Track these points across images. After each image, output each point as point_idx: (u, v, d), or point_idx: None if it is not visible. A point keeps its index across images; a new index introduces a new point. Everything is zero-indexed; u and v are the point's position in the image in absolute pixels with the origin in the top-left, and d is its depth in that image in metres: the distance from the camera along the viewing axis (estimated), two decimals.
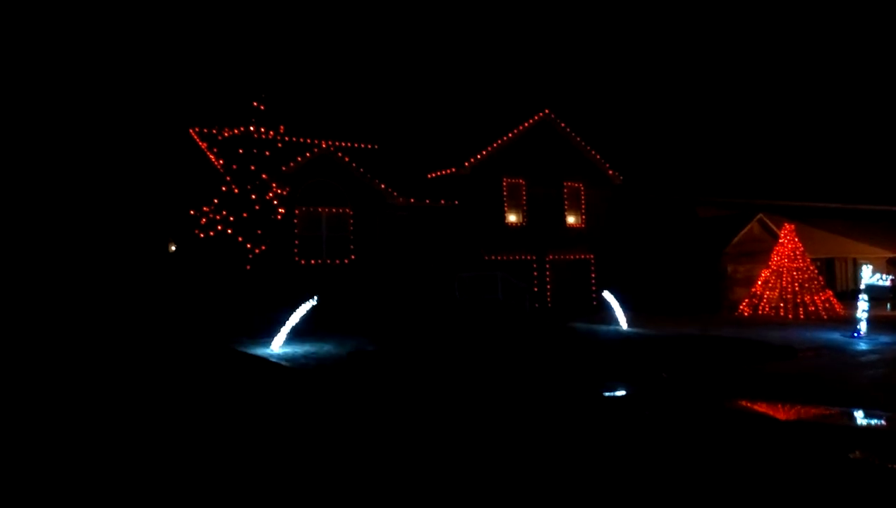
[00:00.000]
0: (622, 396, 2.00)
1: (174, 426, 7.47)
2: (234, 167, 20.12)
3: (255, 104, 20.76)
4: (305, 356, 14.33)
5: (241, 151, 20.33)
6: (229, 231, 19.68)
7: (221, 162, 20.71)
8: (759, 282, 25.00)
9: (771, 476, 1.30)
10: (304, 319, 16.14)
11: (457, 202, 25.21)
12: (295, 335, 16.22)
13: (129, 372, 12.64)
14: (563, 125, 27.60)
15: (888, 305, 26.31)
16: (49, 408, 8.81)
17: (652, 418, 1.86)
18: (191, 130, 23.97)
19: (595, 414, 1.89)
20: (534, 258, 26.80)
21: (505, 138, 26.03)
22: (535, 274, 26.60)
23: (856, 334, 17.30)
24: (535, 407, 1.81)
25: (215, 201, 19.83)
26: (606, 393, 1.98)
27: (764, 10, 70.64)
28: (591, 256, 28.04)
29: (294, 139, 24.99)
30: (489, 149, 25.56)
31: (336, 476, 3.32)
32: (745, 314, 24.64)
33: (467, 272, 23.90)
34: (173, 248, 24.43)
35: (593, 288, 27.70)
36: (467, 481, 1.38)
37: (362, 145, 28.98)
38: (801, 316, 23.29)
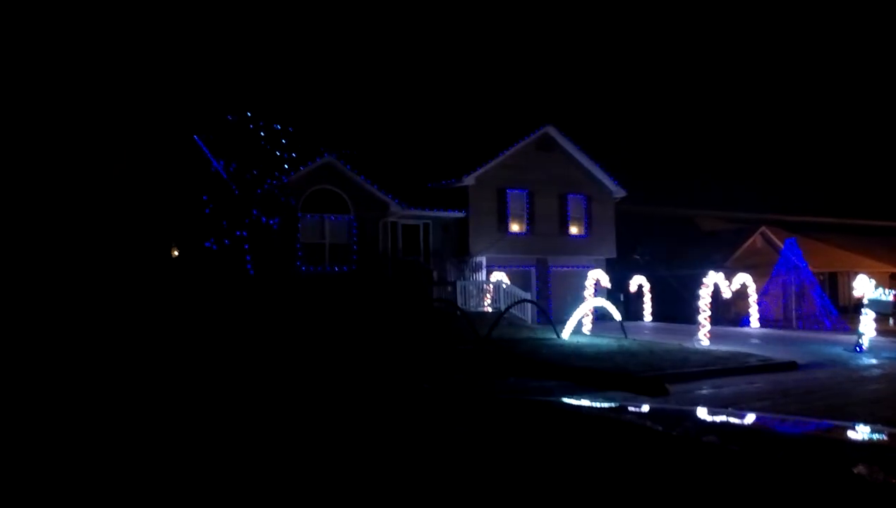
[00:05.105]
0: (621, 408, 1.99)
1: None
2: (238, 174, 20.17)
3: (259, 112, 20.82)
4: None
5: (244, 158, 20.39)
6: (232, 237, 19.71)
7: (225, 168, 20.77)
8: (762, 295, 24.96)
9: (774, 489, 1.28)
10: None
11: (460, 211, 25.23)
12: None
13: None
14: (566, 137, 27.64)
15: (891, 320, 26.22)
16: None
17: (653, 429, 1.84)
18: (195, 137, 24.02)
19: (594, 429, 1.87)
20: (535, 268, 26.80)
21: (509, 149, 26.07)
22: (537, 283, 26.59)
23: (858, 348, 17.21)
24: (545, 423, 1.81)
25: (219, 208, 19.87)
26: (606, 405, 1.98)
27: (768, 25, 70.91)
28: (594, 266, 28.04)
29: (298, 147, 25.03)
30: (493, 159, 25.61)
31: None
32: (748, 326, 24.58)
33: (469, 281, 23.92)
34: (176, 254, 24.44)
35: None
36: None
37: (366, 154, 29.01)
38: (804, 330, 23.23)
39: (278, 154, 20.95)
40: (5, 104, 23.00)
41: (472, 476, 1.44)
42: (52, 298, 20.87)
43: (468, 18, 70.42)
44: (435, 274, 23.94)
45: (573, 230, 27.91)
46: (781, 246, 26.05)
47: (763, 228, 30.96)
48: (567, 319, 20.18)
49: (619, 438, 1.70)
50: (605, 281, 23.06)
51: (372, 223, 23.27)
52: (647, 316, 26.59)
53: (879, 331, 18.68)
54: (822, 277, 30.92)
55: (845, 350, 17.59)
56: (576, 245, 27.92)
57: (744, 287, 23.18)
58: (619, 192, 29.08)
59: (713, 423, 2.06)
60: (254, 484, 1.42)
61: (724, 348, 16.96)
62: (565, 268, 27.45)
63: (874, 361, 15.86)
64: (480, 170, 25.24)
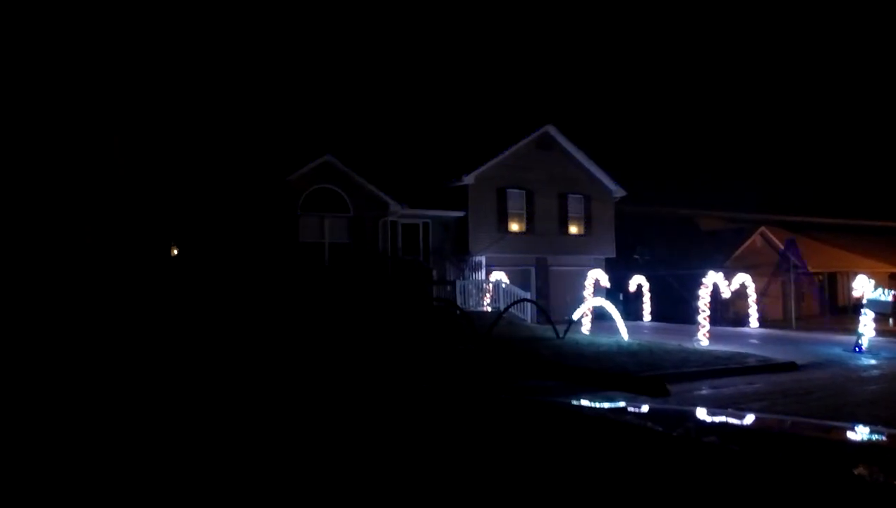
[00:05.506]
0: (622, 408, 2.00)
1: None
2: (238, 172, 20.16)
3: (260, 111, 20.82)
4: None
5: (244, 156, 20.40)
6: (231, 236, 19.72)
7: (225, 166, 20.78)
8: (761, 295, 24.97)
9: (774, 489, 1.29)
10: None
11: (460, 211, 25.25)
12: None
13: None
14: (566, 137, 27.66)
15: (890, 320, 26.24)
16: None
17: (654, 429, 1.85)
18: (195, 135, 24.01)
19: (595, 429, 1.87)
20: (535, 267, 26.81)
21: (508, 149, 26.08)
22: (537, 282, 26.59)
23: (857, 349, 17.22)
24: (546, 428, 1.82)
25: (218, 206, 19.87)
26: (606, 405, 1.99)
27: (767, 25, 70.94)
28: (593, 266, 28.07)
29: (298, 146, 25.03)
30: (493, 159, 25.63)
31: None
32: (747, 326, 24.60)
33: (468, 280, 23.92)
34: (175, 252, 24.43)
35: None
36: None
37: (366, 153, 29.00)
38: (803, 330, 23.24)
39: (278, 153, 20.97)
40: (1, 99, 22.96)
41: (472, 475, 1.44)
42: (49, 295, 20.84)
43: (469, 18, 70.46)
44: (434, 273, 23.94)
45: (573, 229, 27.92)
46: (781, 246, 26.07)
47: (763, 228, 30.93)
48: (566, 319, 20.18)
49: (621, 438, 1.71)
50: (605, 281, 23.06)
51: (371, 222, 23.27)
52: (647, 315, 26.60)
53: (879, 332, 18.69)
54: (821, 277, 30.94)
55: (844, 350, 17.60)
56: (575, 244, 27.93)
57: (743, 287, 23.18)
58: (619, 192, 29.10)
59: (713, 424, 2.07)
60: (254, 483, 1.43)
61: (723, 348, 16.97)
62: (565, 268, 27.45)
63: (873, 361, 15.87)
64: (480, 170, 25.24)
